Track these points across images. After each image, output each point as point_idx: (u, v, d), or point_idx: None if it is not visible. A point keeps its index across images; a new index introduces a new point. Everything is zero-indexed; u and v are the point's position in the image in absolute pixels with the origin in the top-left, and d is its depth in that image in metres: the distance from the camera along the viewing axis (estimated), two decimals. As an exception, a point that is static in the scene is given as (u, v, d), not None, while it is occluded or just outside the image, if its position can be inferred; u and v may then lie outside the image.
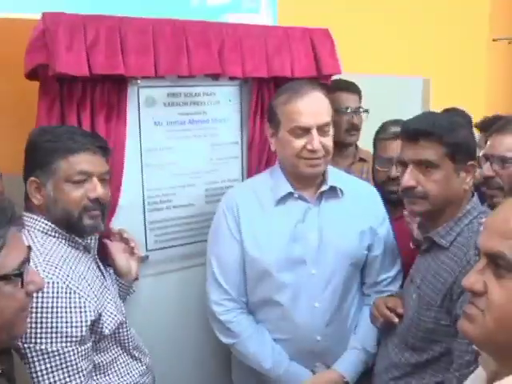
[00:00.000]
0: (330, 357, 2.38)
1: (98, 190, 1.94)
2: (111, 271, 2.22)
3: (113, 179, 2.24)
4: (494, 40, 4.58)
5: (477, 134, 3.14)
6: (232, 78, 2.60)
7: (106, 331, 1.91)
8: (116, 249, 2.31)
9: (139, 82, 2.38)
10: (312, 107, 2.23)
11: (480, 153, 3.01)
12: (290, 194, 2.32)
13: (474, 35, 5.04)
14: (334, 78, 2.92)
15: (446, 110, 3.62)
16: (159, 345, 2.47)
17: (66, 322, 1.75)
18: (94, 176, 1.95)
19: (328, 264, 2.31)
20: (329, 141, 2.26)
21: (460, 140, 1.99)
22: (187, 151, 2.57)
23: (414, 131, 2.00)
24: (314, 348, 2.33)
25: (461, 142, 1.99)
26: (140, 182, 2.46)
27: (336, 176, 2.41)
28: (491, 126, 3.15)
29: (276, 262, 2.27)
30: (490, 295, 1.14)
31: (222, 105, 2.65)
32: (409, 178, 2.00)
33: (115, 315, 1.96)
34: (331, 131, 2.29)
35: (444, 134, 1.96)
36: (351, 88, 3.21)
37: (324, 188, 2.34)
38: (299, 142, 2.23)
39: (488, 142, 2.36)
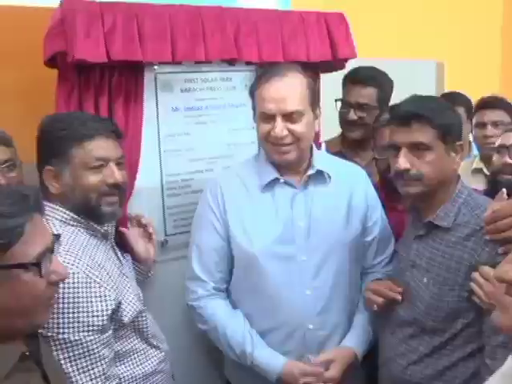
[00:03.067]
0: (323, 345, 2.32)
1: (116, 175, 1.96)
2: (128, 257, 2.23)
3: (130, 165, 2.26)
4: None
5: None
6: (248, 63, 2.61)
7: (126, 319, 1.93)
8: (133, 235, 2.33)
9: (156, 67, 2.39)
10: (278, 93, 2.16)
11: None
12: (276, 180, 2.29)
13: (488, 18, 5.02)
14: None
15: (446, 94, 3.63)
16: (176, 330, 2.50)
17: (87, 312, 1.77)
18: (110, 161, 1.96)
19: (318, 250, 2.27)
20: (300, 127, 2.19)
21: (449, 121, 2.06)
22: (204, 137, 2.59)
23: (406, 115, 2.04)
24: (305, 336, 2.29)
25: (450, 123, 2.06)
26: (158, 167, 2.48)
27: (323, 160, 2.37)
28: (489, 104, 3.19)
29: (264, 249, 2.24)
30: None
31: (238, 90, 2.66)
32: (403, 161, 2.03)
33: (134, 303, 1.97)
34: (307, 118, 2.21)
35: (434, 115, 2.01)
36: (363, 80, 3.09)
37: (310, 172, 2.30)
38: (265, 127, 2.20)
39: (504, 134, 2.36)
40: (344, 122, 3.14)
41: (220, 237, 2.31)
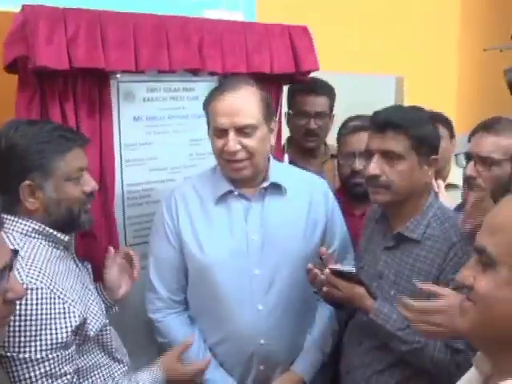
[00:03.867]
0: (275, 360, 2.31)
1: (92, 183, 1.95)
2: (89, 267, 2.17)
3: (107, 173, 2.28)
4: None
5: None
6: (212, 74, 2.59)
7: (91, 333, 1.88)
8: (112, 261, 2.25)
9: (118, 76, 2.36)
10: (230, 108, 2.14)
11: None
12: (230, 192, 2.27)
13: (445, 35, 5.11)
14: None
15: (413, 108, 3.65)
16: (137, 342, 2.44)
17: (51, 329, 1.72)
18: (84, 170, 1.94)
19: (272, 264, 2.25)
20: (253, 142, 2.16)
21: (425, 134, 2.07)
22: (166, 147, 2.57)
23: (383, 122, 2.07)
24: (256, 351, 2.27)
25: (426, 136, 2.07)
26: (119, 177, 2.45)
27: (281, 172, 2.35)
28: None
29: (217, 261, 2.22)
30: (476, 288, 1.18)
31: (201, 100, 2.60)
32: (374, 167, 2.06)
33: (99, 317, 1.93)
34: (260, 132, 2.19)
35: (411, 126, 2.04)
36: (312, 90, 3.14)
37: (265, 185, 2.28)
38: (218, 142, 2.18)
39: (472, 140, 2.33)
40: (304, 132, 3.16)
41: (174, 248, 2.29)
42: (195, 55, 2.46)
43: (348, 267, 2.13)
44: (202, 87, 2.63)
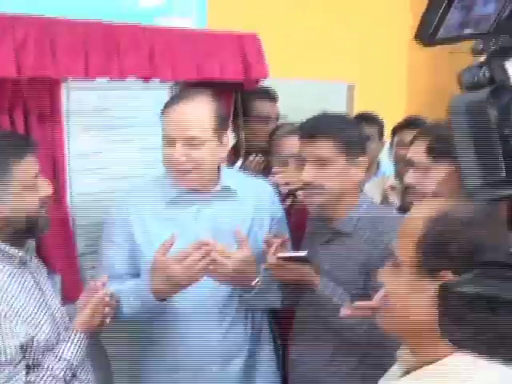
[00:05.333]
0: (227, 355, 2.33)
1: (47, 187, 1.94)
2: (57, 279, 2.14)
3: (59, 183, 2.28)
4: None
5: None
6: (163, 82, 2.60)
7: (39, 351, 1.85)
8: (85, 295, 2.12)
9: (69, 84, 2.34)
10: (179, 118, 2.16)
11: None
12: (180, 196, 2.28)
13: (396, 43, 5.19)
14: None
15: (360, 115, 3.78)
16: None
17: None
18: (39, 175, 1.92)
19: None
20: (200, 155, 2.17)
21: (351, 137, 2.20)
22: (117, 155, 2.56)
23: (311, 129, 2.20)
24: (208, 347, 2.27)
25: (351, 139, 2.20)
26: (69, 186, 2.43)
27: (230, 176, 2.39)
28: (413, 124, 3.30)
29: None
30: (386, 287, 1.32)
31: (152, 109, 2.62)
32: (307, 174, 2.18)
33: (51, 334, 1.90)
34: (209, 145, 2.20)
35: (336, 131, 2.16)
36: (271, 95, 3.30)
37: (216, 189, 2.32)
38: (167, 151, 2.19)
39: (412, 146, 2.33)
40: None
41: (125, 252, 2.27)
42: (146, 63, 2.46)
43: (297, 252, 2.25)
44: (153, 95, 2.63)
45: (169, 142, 2.18)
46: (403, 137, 3.40)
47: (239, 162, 3.12)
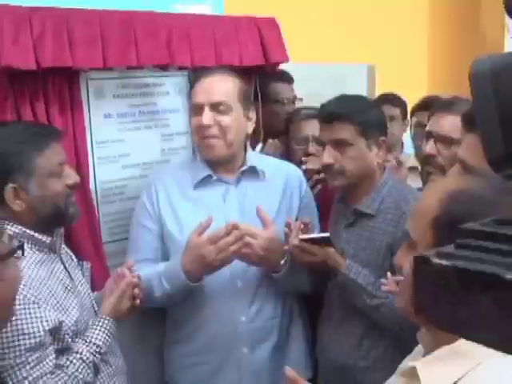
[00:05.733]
0: (257, 338, 2.34)
1: (73, 175, 1.97)
2: (88, 266, 2.15)
3: (83, 171, 2.28)
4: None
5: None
6: (181, 68, 2.60)
7: (68, 337, 1.88)
8: (112, 282, 2.14)
9: (88, 73, 2.35)
10: (206, 86, 2.26)
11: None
12: (209, 177, 2.33)
13: (415, 22, 5.14)
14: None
15: (383, 96, 3.76)
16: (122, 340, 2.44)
17: (28, 334, 1.73)
18: (64, 163, 1.94)
19: None
20: (226, 121, 2.25)
21: (370, 118, 2.22)
22: (138, 143, 2.56)
23: (329, 114, 2.24)
24: (237, 329, 2.30)
25: (370, 120, 2.23)
26: (92, 174, 2.43)
27: (257, 158, 2.45)
28: (431, 105, 3.25)
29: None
30: (403, 269, 1.29)
31: (172, 95, 2.65)
32: (327, 157, 2.22)
33: (78, 320, 1.92)
34: (235, 114, 2.28)
35: (354, 114, 2.19)
36: (286, 78, 3.29)
37: (243, 168, 2.35)
38: (196, 119, 2.28)
39: (432, 119, 2.39)
40: (285, 118, 3.22)
41: (152, 234, 2.33)
42: (164, 50, 2.46)
43: (320, 234, 2.28)
44: (172, 82, 2.64)
45: (196, 109, 2.27)
46: (421, 118, 3.35)
47: (259, 146, 3.12)
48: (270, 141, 3.16)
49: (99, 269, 2.35)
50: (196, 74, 2.39)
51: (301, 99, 3.27)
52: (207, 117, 2.23)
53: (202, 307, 2.30)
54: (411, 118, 3.60)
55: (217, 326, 2.30)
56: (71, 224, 2.05)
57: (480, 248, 0.64)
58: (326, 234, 2.22)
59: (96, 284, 2.27)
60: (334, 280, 2.25)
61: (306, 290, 2.44)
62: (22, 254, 1.56)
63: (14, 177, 1.83)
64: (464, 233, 0.68)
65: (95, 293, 2.19)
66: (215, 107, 2.24)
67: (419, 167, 3.34)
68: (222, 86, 2.27)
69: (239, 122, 2.30)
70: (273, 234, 2.23)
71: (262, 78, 2.98)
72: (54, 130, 2.00)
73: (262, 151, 3.11)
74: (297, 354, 2.46)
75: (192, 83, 2.34)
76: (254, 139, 2.96)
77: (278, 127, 3.25)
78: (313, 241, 2.18)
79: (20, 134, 1.88)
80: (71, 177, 1.96)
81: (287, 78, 3.29)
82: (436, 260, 0.64)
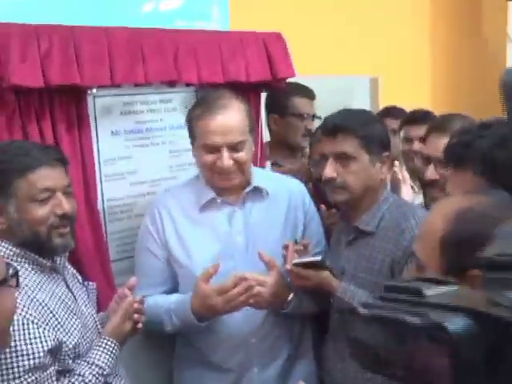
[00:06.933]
0: (266, 358, 2.35)
1: (64, 205, 1.86)
2: (93, 286, 2.12)
3: (90, 189, 2.27)
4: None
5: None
6: (188, 85, 2.59)
7: (69, 358, 1.85)
8: (116, 304, 2.10)
9: (94, 91, 2.34)
10: (223, 126, 2.20)
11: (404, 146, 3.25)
12: (214, 200, 2.31)
13: (417, 34, 5.14)
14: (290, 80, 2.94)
15: (385, 109, 3.73)
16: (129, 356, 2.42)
17: (27, 354, 1.69)
18: (57, 191, 1.87)
19: (258, 265, 2.27)
20: (243, 156, 2.24)
21: (373, 133, 2.19)
22: (146, 159, 2.55)
23: (332, 127, 2.20)
24: (249, 350, 2.31)
25: (374, 135, 2.19)
26: (100, 192, 2.42)
27: (261, 176, 2.42)
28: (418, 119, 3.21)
29: (205, 266, 2.22)
30: None
31: (179, 111, 2.64)
32: (329, 170, 2.18)
33: (77, 343, 1.88)
34: (248, 145, 2.27)
35: (358, 127, 2.16)
36: (309, 94, 3.31)
37: (248, 189, 2.33)
38: (209, 158, 2.23)
39: (428, 142, 2.40)
40: (303, 133, 3.27)
41: (160, 260, 2.33)
42: (171, 67, 2.44)
43: (312, 258, 2.23)
44: (179, 98, 2.64)
45: (212, 149, 2.21)
46: (408, 132, 3.31)
47: (268, 163, 3.11)
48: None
49: (106, 288, 2.33)
50: (201, 100, 2.35)
51: (319, 117, 3.21)
52: (227, 159, 2.19)
53: (214, 332, 2.30)
54: (399, 131, 3.52)
55: (228, 350, 2.31)
56: (59, 255, 1.94)
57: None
58: (318, 258, 2.20)
59: (103, 303, 2.24)
60: (332, 303, 2.24)
61: (315, 311, 2.43)
62: (17, 285, 1.50)
63: None
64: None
65: (101, 313, 2.17)
66: (233, 147, 2.21)
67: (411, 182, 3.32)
68: (237, 124, 2.23)
69: (250, 150, 2.30)
70: (279, 275, 2.23)
71: (283, 91, 2.99)
72: (52, 153, 1.91)
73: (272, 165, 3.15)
74: (304, 374, 2.44)
75: (197, 110, 2.26)
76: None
77: (293, 141, 3.31)
78: (306, 265, 2.16)
79: (10, 153, 1.84)
80: (60, 206, 1.86)
81: (310, 94, 3.32)
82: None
